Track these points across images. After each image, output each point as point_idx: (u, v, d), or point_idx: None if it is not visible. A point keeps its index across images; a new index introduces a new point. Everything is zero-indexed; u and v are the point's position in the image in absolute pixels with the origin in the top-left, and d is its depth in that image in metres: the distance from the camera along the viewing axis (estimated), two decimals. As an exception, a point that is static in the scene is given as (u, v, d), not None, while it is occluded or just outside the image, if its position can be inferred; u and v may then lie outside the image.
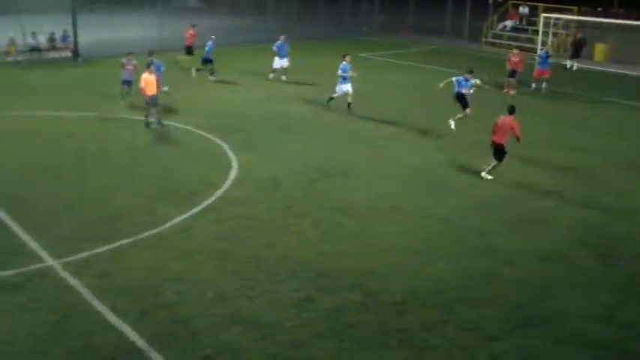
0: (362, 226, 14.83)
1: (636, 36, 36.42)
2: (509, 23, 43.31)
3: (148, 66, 21.91)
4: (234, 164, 18.40)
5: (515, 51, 29.64)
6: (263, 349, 10.28)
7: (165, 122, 21.88)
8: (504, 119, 17.64)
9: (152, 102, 21.57)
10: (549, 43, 38.09)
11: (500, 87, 29.03)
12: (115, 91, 24.02)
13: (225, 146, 19.86)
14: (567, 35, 40.25)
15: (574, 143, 21.30)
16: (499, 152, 17.73)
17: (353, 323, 11.01)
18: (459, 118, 22.05)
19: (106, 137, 20.70)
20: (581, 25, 39.56)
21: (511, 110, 17.72)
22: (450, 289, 12.22)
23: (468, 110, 21.75)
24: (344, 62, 24.38)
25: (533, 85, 29.42)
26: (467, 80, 22.21)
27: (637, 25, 36.18)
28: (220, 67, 30.03)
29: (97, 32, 39.06)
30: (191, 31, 31.83)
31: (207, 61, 29.68)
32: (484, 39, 43.18)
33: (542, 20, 39.07)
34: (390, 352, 10.30)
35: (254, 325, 10.88)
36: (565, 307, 11.73)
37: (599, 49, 38.01)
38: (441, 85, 22.41)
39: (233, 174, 17.68)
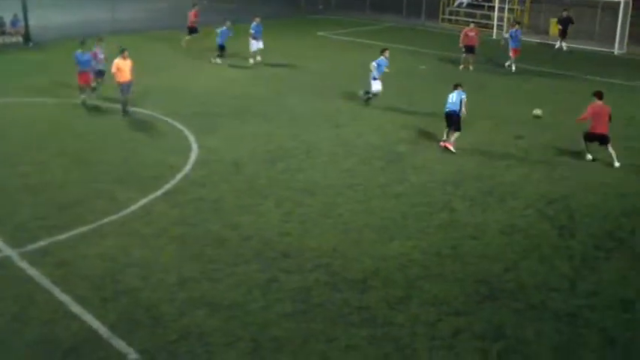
0: (325, 205, 14.80)
1: (590, 11, 36.82)
2: (465, 0, 43.45)
3: (122, 52, 21.15)
4: (195, 147, 18.21)
5: (471, 26, 29.65)
6: (229, 332, 10.22)
7: (118, 106, 21.51)
8: (602, 107, 17.50)
9: (125, 88, 21.01)
10: (506, 18, 38.39)
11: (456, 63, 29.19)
12: (71, 75, 23.34)
13: (186, 130, 19.64)
14: (522, 11, 40.54)
15: (529, 119, 21.47)
16: (605, 140, 17.53)
17: (318, 303, 11.01)
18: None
19: (63, 123, 20.34)
20: (538, 1, 39.88)
21: (599, 95, 17.65)
22: (414, 265, 12.28)
23: None
24: (382, 57, 22.52)
25: (513, 67, 29.04)
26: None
27: (589, 0, 36.60)
28: (180, 50, 29.65)
29: (48, 16, 38.27)
30: (194, 12, 31.78)
31: (222, 47, 28.89)
32: (441, 16, 43.27)
33: (498, -5, 39.23)
34: (354, 330, 10.32)
35: (219, 308, 10.81)
36: (527, 279, 11.88)
37: (555, 23, 38.33)
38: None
39: (193, 157, 17.50)
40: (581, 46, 34.64)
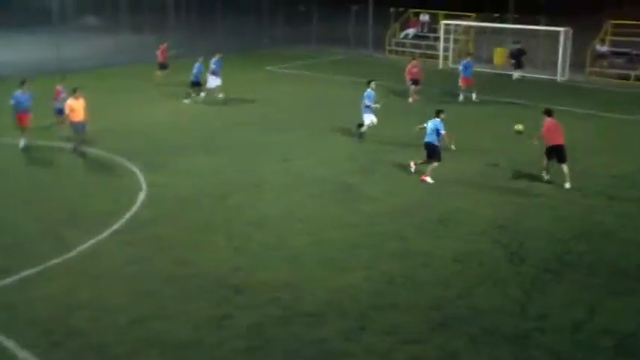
0: (276, 238, 14.73)
1: (533, 40, 37.74)
2: (411, 31, 44.09)
3: (74, 91, 20.79)
4: (144, 185, 18.00)
5: (414, 62, 29.94)
6: (181, 371, 10.04)
7: (69, 145, 21.17)
8: (554, 122, 18.30)
9: (80, 128, 20.67)
10: (451, 48, 39.14)
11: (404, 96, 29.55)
12: (6, 115, 22.56)
13: (135, 167, 19.41)
14: (467, 41, 41.35)
15: (478, 146, 21.81)
16: (562, 153, 18.08)
17: (272, 337, 10.89)
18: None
19: (5, 164, 19.92)
20: (479, 30, 40.75)
21: (548, 113, 18.57)
22: (367, 296, 12.26)
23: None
24: (369, 89, 22.49)
25: (461, 97, 29.18)
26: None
27: (531, 30, 37.55)
28: (127, 86, 29.43)
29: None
30: (163, 47, 31.82)
31: (195, 84, 28.46)
32: (388, 47, 43.84)
33: (442, 27, 40.01)
34: (310, 364, 10.24)
35: (172, 347, 10.62)
36: (479, 305, 11.95)
37: (499, 52, 39.22)
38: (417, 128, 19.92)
39: (142, 195, 17.29)
40: (527, 74, 35.39)
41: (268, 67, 37.37)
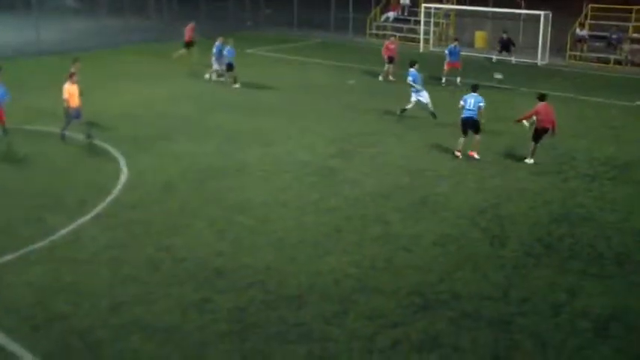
0: (258, 222, 14.72)
1: (512, 23, 37.88)
2: (391, 15, 44.10)
3: (71, 76, 20.15)
4: (125, 169, 17.89)
5: (392, 39, 31.05)
6: (165, 355, 10.03)
7: (49, 129, 20.98)
8: (546, 106, 18.41)
9: (76, 114, 20.15)
10: (432, 32, 39.16)
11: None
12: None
13: (115, 151, 19.28)
14: (447, 24, 41.39)
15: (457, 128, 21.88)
16: (542, 135, 18.50)
17: (254, 321, 10.91)
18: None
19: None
20: (459, 13, 40.80)
21: (542, 97, 18.60)
22: (349, 279, 12.30)
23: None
24: (412, 69, 22.63)
25: (444, 80, 29.32)
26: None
27: (511, 13, 37.67)
28: (104, 69, 29.17)
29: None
30: (190, 26, 32.51)
31: (230, 66, 28.29)
32: (368, 31, 43.79)
33: (423, 10, 40.01)
34: (291, 347, 10.27)
35: (154, 331, 10.61)
36: (461, 289, 12.03)
37: (480, 36, 39.33)
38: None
39: (123, 178, 17.19)
40: (507, 58, 35.49)
41: (249, 50, 37.17)
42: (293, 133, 21.53)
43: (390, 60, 29.91)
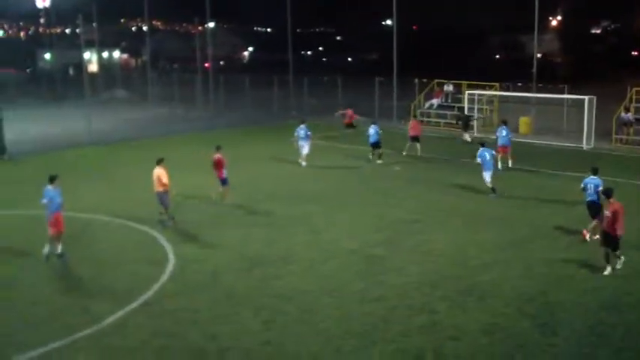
0: (304, 312, 14.63)
1: (555, 108, 37.97)
2: (435, 102, 44.55)
3: (159, 162, 20.80)
4: (171, 256, 18.07)
5: (412, 119, 34.62)
6: None
7: (97, 216, 21.38)
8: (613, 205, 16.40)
9: (161, 199, 20.78)
10: (476, 118, 39.38)
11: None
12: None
13: (161, 238, 19.54)
14: (491, 110, 41.64)
15: (502, 215, 21.74)
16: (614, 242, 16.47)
17: (300, 413, 10.73)
18: None
19: (33, 234, 20.02)
20: (503, 99, 41.07)
21: (608, 193, 16.63)
22: (397, 371, 12.08)
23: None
24: (481, 149, 24.33)
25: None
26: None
27: (555, 99, 37.82)
28: (150, 157, 29.76)
29: (23, 127, 38.50)
30: (350, 111, 37.83)
31: (375, 144, 30.93)
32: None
33: (466, 97, 40.38)
34: None
35: None
36: (512, 381, 11.71)
37: (523, 122, 39.34)
38: None
39: (170, 266, 17.35)
40: (552, 142, 35.40)
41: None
42: (338, 220, 21.48)
43: (414, 139, 32.52)
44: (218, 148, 23.60)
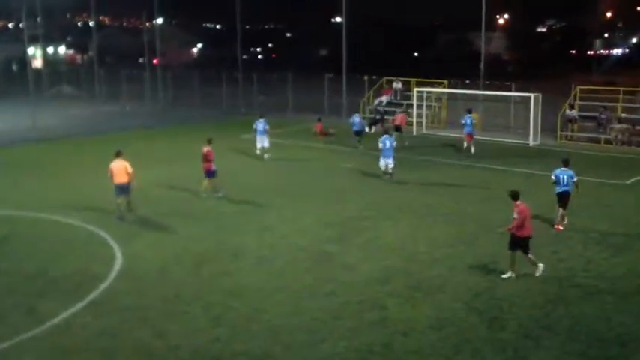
0: (253, 308, 14.56)
1: (502, 105, 38.55)
2: (384, 98, 44.71)
3: (118, 154, 20.79)
4: (119, 254, 17.81)
5: (399, 111, 36.35)
6: None
7: (42, 215, 20.97)
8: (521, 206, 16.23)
9: (121, 191, 20.68)
10: (425, 115, 39.72)
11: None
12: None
13: (108, 236, 19.23)
14: (439, 107, 42.06)
15: (451, 210, 21.98)
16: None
17: (251, 411, 10.68)
18: None
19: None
20: (451, 96, 41.51)
21: (515, 196, 16.39)
22: (347, 366, 12.10)
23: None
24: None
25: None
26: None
27: (502, 96, 38.40)
28: (98, 153, 29.38)
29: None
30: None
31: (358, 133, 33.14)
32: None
33: (415, 94, 40.70)
34: None
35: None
36: (461, 374, 11.82)
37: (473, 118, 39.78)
38: None
39: (117, 264, 17.09)
40: (499, 139, 35.94)
41: (244, 136, 37.51)
42: (289, 217, 21.42)
43: (397, 129, 33.29)
44: (209, 142, 23.66)
